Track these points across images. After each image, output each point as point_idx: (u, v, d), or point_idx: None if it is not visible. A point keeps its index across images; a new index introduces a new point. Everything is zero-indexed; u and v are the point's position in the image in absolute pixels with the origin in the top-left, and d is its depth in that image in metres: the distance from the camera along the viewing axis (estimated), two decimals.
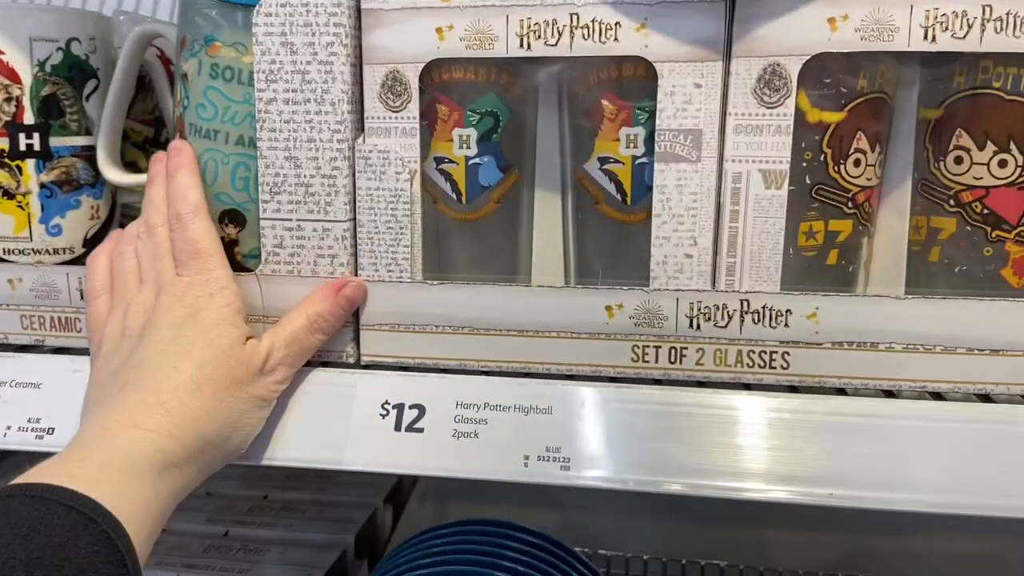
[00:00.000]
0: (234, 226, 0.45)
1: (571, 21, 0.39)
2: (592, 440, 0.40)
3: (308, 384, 0.43)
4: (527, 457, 0.40)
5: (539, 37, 0.40)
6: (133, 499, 0.34)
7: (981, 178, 0.39)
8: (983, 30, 0.36)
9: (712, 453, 0.39)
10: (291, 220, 0.43)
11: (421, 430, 0.41)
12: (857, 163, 0.40)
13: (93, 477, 0.33)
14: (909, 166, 0.41)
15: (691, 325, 0.41)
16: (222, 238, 0.45)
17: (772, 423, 0.39)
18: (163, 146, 0.61)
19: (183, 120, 0.45)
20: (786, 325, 0.40)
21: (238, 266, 0.46)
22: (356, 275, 0.43)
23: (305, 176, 0.42)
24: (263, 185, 0.43)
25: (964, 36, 0.37)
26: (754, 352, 0.41)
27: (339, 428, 0.41)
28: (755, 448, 0.39)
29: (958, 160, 0.39)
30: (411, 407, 0.41)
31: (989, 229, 0.39)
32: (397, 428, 0.41)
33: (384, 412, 0.41)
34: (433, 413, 0.41)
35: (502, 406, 0.41)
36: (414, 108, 0.41)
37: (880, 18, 0.37)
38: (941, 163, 0.40)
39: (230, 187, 0.44)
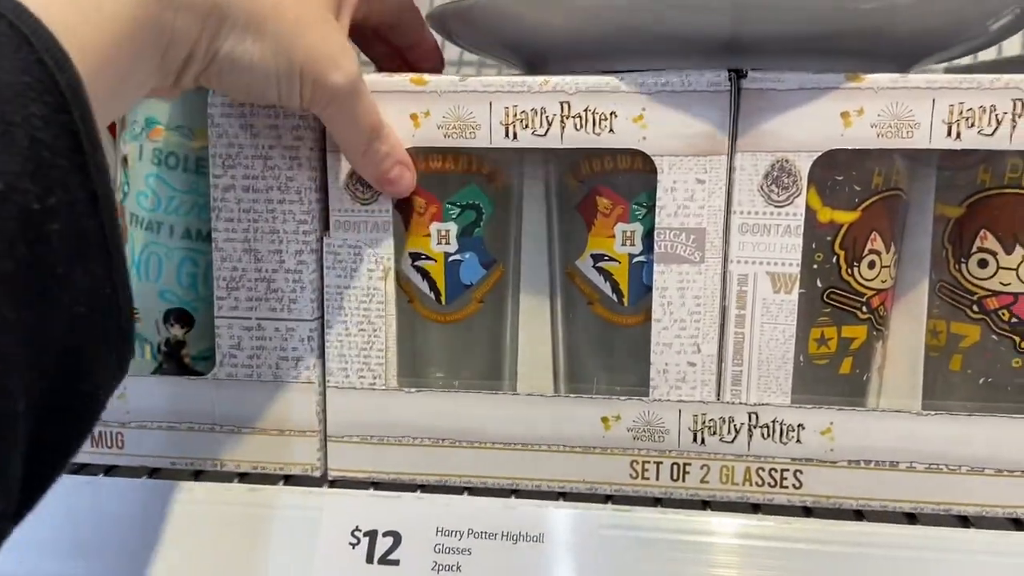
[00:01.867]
0: (181, 326, 0.41)
1: (562, 110, 0.36)
2: None
3: (268, 506, 0.38)
4: None
5: (526, 126, 0.36)
6: (97, 46, 0.24)
7: (1009, 284, 0.36)
8: (1014, 126, 0.34)
9: None
10: (250, 319, 0.39)
11: (396, 562, 0.36)
12: (872, 265, 0.37)
13: None
14: (925, 266, 0.38)
15: (695, 439, 0.37)
16: (167, 339, 0.41)
17: (787, 554, 0.35)
18: None
19: (123, 208, 0.41)
20: (798, 441, 0.37)
21: (186, 369, 0.41)
22: (324, 381, 0.39)
23: (267, 271, 0.38)
24: (219, 280, 0.38)
25: (992, 133, 0.34)
26: (763, 470, 0.37)
27: (301, 561, 0.37)
28: None
29: (982, 263, 0.36)
30: (385, 535, 0.37)
31: (1018, 339, 0.36)
32: (369, 560, 0.37)
33: (354, 541, 0.37)
34: (410, 542, 0.37)
35: (488, 533, 0.37)
36: (386, 200, 0.37)
37: (898, 113, 0.34)
38: (963, 265, 0.37)
39: (176, 284, 0.40)
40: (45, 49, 0.22)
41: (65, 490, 0.39)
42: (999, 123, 0.34)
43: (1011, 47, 0.59)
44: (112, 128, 0.50)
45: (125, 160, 0.41)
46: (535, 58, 0.42)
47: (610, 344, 0.39)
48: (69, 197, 0.22)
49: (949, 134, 0.34)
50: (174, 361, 0.42)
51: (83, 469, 0.40)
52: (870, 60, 0.37)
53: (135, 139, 0.40)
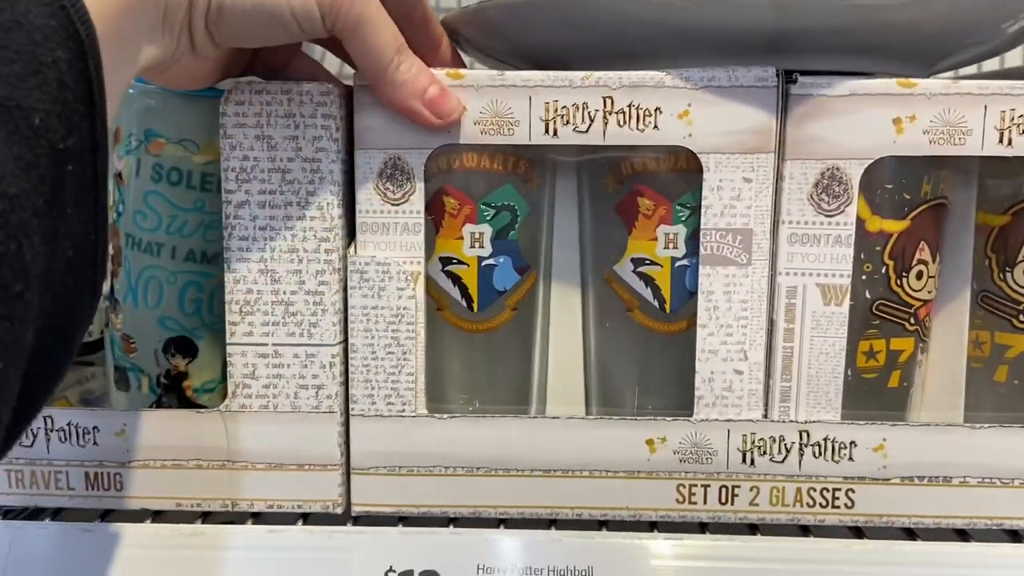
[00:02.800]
0: (183, 357, 0.37)
1: (604, 105, 0.34)
2: None
3: (286, 549, 0.35)
4: None
5: (567, 123, 0.34)
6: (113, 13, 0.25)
7: None
8: None
9: None
10: (266, 345, 0.36)
11: None
12: (919, 275, 0.36)
13: None
14: (966, 276, 0.38)
15: (744, 460, 0.36)
16: (167, 371, 0.38)
17: None
18: None
19: (117, 228, 0.37)
20: (850, 459, 0.36)
21: (188, 403, 0.38)
22: (347, 409, 0.36)
23: (285, 293, 0.35)
24: (231, 304, 0.35)
25: None
26: (815, 490, 0.36)
27: None
28: None
29: None
30: (422, 574, 0.34)
31: None
32: None
33: None
34: None
35: (534, 569, 0.34)
36: (418, 200, 0.35)
37: (951, 120, 0.33)
38: (1008, 274, 0.36)
39: (178, 311, 0.37)
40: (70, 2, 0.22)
41: (56, 538, 0.35)
42: None
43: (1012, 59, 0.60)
44: None
45: (120, 176, 0.37)
46: (554, 65, 0.40)
47: (650, 353, 0.38)
48: (82, 142, 0.23)
49: (1001, 140, 0.34)
50: (175, 394, 0.38)
51: (76, 514, 0.36)
52: (894, 61, 0.36)
53: (131, 153, 0.37)
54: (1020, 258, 0.36)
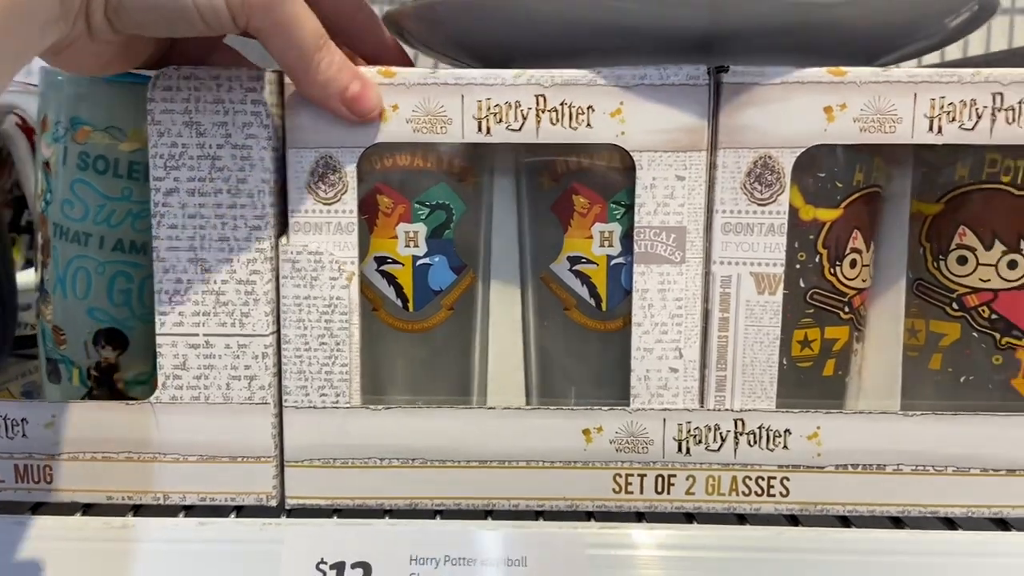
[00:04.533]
0: (112, 348, 0.37)
1: (537, 103, 0.34)
2: None
3: (221, 541, 0.35)
4: None
5: (500, 121, 0.34)
6: None
7: (988, 280, 0.36)
8: (993, 120, 0.33)
9: None
10: (197, 335, 0.35)
11: None
12: (853, 264, 0.36)
13: None
14: (902, 264, 0.38)
15: (679, 449, 0.36)
16: (97, 363, 0.37)
17: (780, 566, 0.34)
18: (23, 230, 0.52)
19: (45, 218, 0.37)
20: (785, 447, 0.36)
21: (119, 395, 0.38)
22: (280, 401, 0.36)
23: (216, 282, 0.35)
24: (160, 294, 0.35)
25: (973, 127, 0.34)
26: (750, 478, 0.36)
27: None
28: None
29: (961, 260, 0.36)
30: (354, 566, 0.34)
31: (998, 336, 0.36)
32: None
33: (320, 574, 0.34)
34: (382, 572, 0.34)
35: (467, 559, 0.34)
36: (351, 200, 0.35)
37: (881, 108, 0.34)
38: (941, 263, 0.36)
39: (107, 301, 0.37)
40: None
41: None
42: (979, 117, 0.33)
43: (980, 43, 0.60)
44: (30, 131, 0.45)
45: (47, 165, 0.37)
46: (499, 60, 0.40)
47: (587, 351, 0.37)
48: None
49: (931, 129, 0.34)
50: (105, 387, 0.38)
51: (5, 508, 0.36)
52: (835, 58, 0.36)
53: (58, 141, 0.36)
54: (953, 246, 0.36)
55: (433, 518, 0.36)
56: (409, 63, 0.39)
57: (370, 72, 0.34)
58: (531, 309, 0.39)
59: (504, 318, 0.39)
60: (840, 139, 0.34)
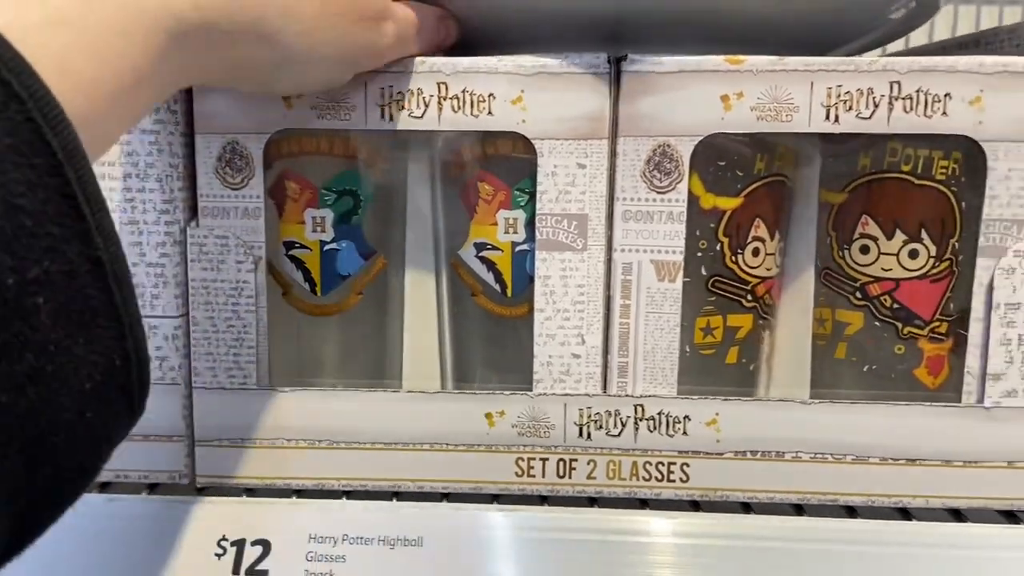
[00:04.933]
0: None
1: (439, 91, 0.34)
2: None
3: (129, 518, 0.35)
4: None
5: (403, 108, 0.35)
6: (98, 84, 0.21)
7: (890, 269, 0.36)
8: (891, 109, 0.33)
9: None
10: None
11: (265, 572, 0.34)
12: (756, 252, 0.36)
13: (41, 29, 0.20)
14: (811, 254, 0.38)
15: (580, 434, 0.36)
16: None
17: (678, 550, 0.34)
18: None
19: None
20: (684, 433, 0.36)
21: None
22: (190, 382, 0.37)
23: None
24: None
25: (870, 116, 0.33)
26: (651, 464, 0.36)
27: (164, 574, 0.34)
28: None
29: (864, 249, 0.36)
30: (254, 543, 0.35)
31: (900, 325, 0.36)
32: (236, 571, 0.34)
33: (220, 551, 0.35)
34: (281, 550, 0.35)
35: (364, 539, 0.35)
36: (257, 185, 0.35)
37: (778, 96, 0.34)
38: (846, 252, 0.36)
39: None
40: (36, 105, 0.19)
41: None
42: (876, 106, 0.33)
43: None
44: None
45: None
46: None
47: (495, 338, 0.38)
48: (64, 267, 0.19)
49: (828, 118, 0.34)
50: None
51: None
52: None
53: None
54: (856, 236, 0.36)
55: (340, 499, 0.37)
56: None
57: None
58: (444, 295, 0.39)
59: (419, 304, 0.40)
60: (737, 128, 0.34)
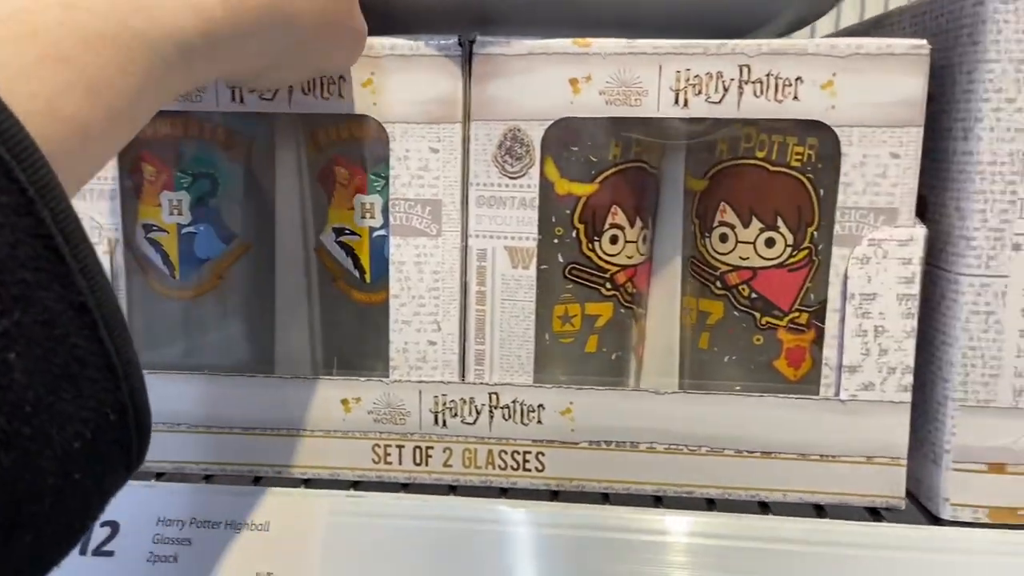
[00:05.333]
0: None
1: None
2: (314, 565, 0.34)
3: None
4: None
5: (253, 89, 0.34)
6: (92, 123, 0.20)
7: (748, 258, 0.35)
8: (741, 93, 0.32)
9: None
10: None
11: (111, 553, 0.34)
12: (614, 240, 0.36)
13: (36, 67, 0.19)
14: (678, 243, 0.37)
15: (436, 422, 0.36)
16: None
17: (535, 540, 0.34)
18: None
19: None
20: (539, 422, 0.35)
21: None
22: None
23: None
24: None
25: (720, 100, 0.33)
26: (506, 452, 0.36)
27: None
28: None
29: (723, 238, 0.35)
30: (103, 525, 0.35)
31: (758, 315, 0.35)
32: (83, 552, 0.34)
33: None
34: (128, 532, 0.35)
35: (211, 522, 0.35)
36: (112, 167, 0.35)
37: (626, 80, 0.33)
38: (707, 240, 0.36)
39: None
40: (4, 143, 0.17)
41: None
42: (726, 90, 0.33)
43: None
44: None
45: None
46: None
47: (356, 323, 0.38)
48: (39, 316, 0.17)
49: (677, 102, 0.33)
50: None
51: None
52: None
53: None
54: (715, 223, 0.35)
55: (199, 483, 0.37)
56: None
57: None
58: (313, 280, 0.39)
59: (289, 288, 0.39)
60: (586, 112, 0.33)
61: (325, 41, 0.29)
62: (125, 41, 0.21)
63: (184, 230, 0.37)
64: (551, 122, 0.33)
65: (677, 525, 0.35)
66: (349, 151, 0.36)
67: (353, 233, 0.36)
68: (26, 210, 0.17)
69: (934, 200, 0.34)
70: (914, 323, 0.33)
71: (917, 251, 0.32)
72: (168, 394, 0.36)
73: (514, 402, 0.35)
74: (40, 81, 0.19)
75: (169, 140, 0.36)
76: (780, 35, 0.42)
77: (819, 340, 0.35)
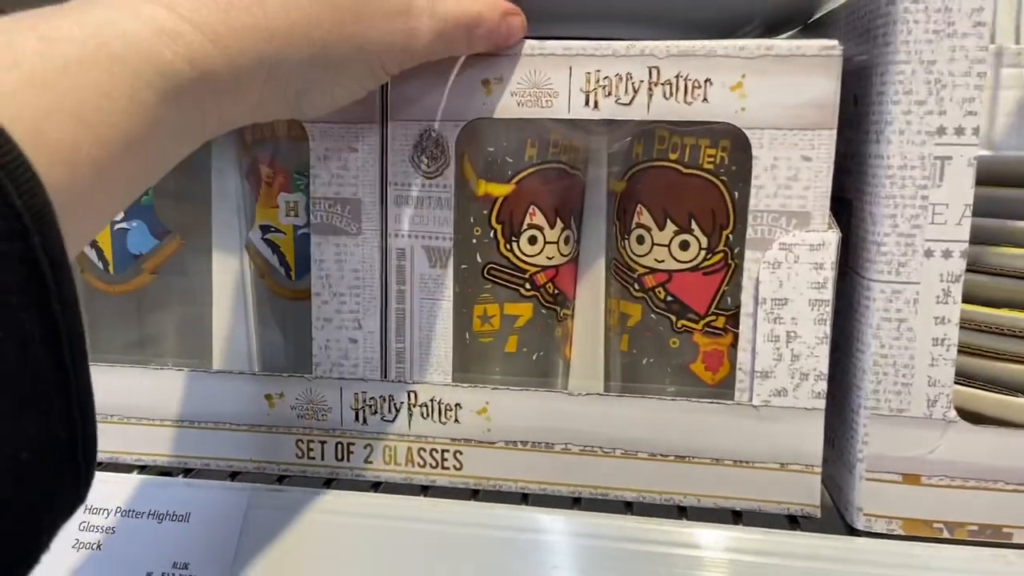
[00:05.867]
0: None
1: None
2: (228, 556, 0.35)
3: None
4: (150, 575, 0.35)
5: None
6: (78, 149, 0.20)
7: (663, 261, 0.34)
8: (651, 95, 0.32)
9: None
10: None
11: None
12: (533, 240, 0.36)
13: (16, 93, 0.19)
14: (601, 244, 0.37)
15: (357, 418, 0.36)
16: None
17: (452, 538, 0.34)
18: None
19: None
20: (456, 421, 0.36)
21: None
22: None
23: None
24: None
25: (630, 102, 0.32)
26: (425, 450, 0.36)
27: None
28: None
29: (640, 240, 0.35)
30: None
31: (674, 318, 0.35)
32: None
33: None
34: None
35: (135, 512, 0.36)
36: None
37: (537, 81, 0.33)
38: (627, 242, 0.35)
39: None
40: (5, 169, 0.18)
41: None
42: (636, 92, 0.32)
43: None
44: None
45: None
46: None
47: (283, 320, 0.38)
48: (17, 337, 0.18)
49: (587, 103, 0.33)
50: None
51: None
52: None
53: None
54: (633, 225, 0.35)
55: (130, 473, 0.38)
56: None
57: None
58: (247, 277, 0.40)
59: (226, 284, 0.40)
60: (498, 113, 0.33)
61: (352, 47, 0.27)
62: (105, 66, 0.21)
63: (117, 226, 0.37)
64: (464, 123, 0.34)
65: (591, 527, 0.34)
66: (272, 150, 0.36)
67: (278, 231, 0.37)
68: (20, 236, 0.18)
69: (858, 204, 0.34)
70: (827, 329, 0.32)
71: (829, 256, 0.32)
72: (102, 386, 0.37)
73: (432, 400, 0.36)
74: (21, 106, 0.19)
75: None
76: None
77: (736, 344, 0.34)
